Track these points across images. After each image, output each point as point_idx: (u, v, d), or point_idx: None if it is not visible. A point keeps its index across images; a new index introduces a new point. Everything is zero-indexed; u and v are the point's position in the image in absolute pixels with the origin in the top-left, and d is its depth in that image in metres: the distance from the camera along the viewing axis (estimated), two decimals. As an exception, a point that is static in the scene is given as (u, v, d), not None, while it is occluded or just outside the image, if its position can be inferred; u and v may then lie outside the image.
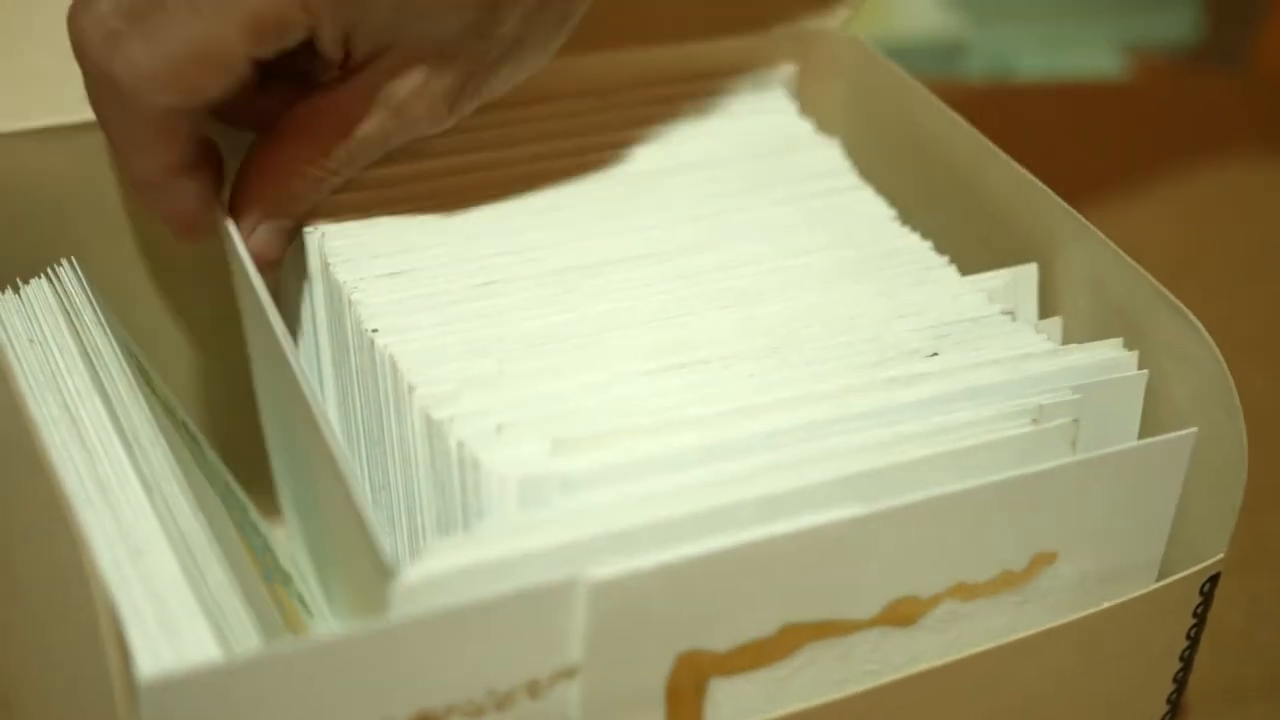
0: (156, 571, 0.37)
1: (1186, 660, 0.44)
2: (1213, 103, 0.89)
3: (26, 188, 0.46)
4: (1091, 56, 0.98)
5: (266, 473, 0.52)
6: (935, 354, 0.42)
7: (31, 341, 0.43)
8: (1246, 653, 0.56)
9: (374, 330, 0.42)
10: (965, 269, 0.46)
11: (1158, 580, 0.42)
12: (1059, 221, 0.47)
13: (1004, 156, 0.49)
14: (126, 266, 0.49)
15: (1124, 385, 0.41)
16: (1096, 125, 0.86)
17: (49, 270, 0.44)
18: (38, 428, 0.37)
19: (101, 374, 0.42)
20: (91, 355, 0.42)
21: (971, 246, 0.49)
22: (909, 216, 0.49)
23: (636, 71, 0.53)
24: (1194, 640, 0.43)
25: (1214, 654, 0.53)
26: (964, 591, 0.39)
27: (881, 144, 0.54)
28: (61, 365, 0.42)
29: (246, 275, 0.43)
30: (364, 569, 0.37)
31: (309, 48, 0.41)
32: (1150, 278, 0.44)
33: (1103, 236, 0.45)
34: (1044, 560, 0.40)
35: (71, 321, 0.43)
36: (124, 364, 0.42)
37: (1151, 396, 0.42)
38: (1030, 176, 0.48)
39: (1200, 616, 0.43)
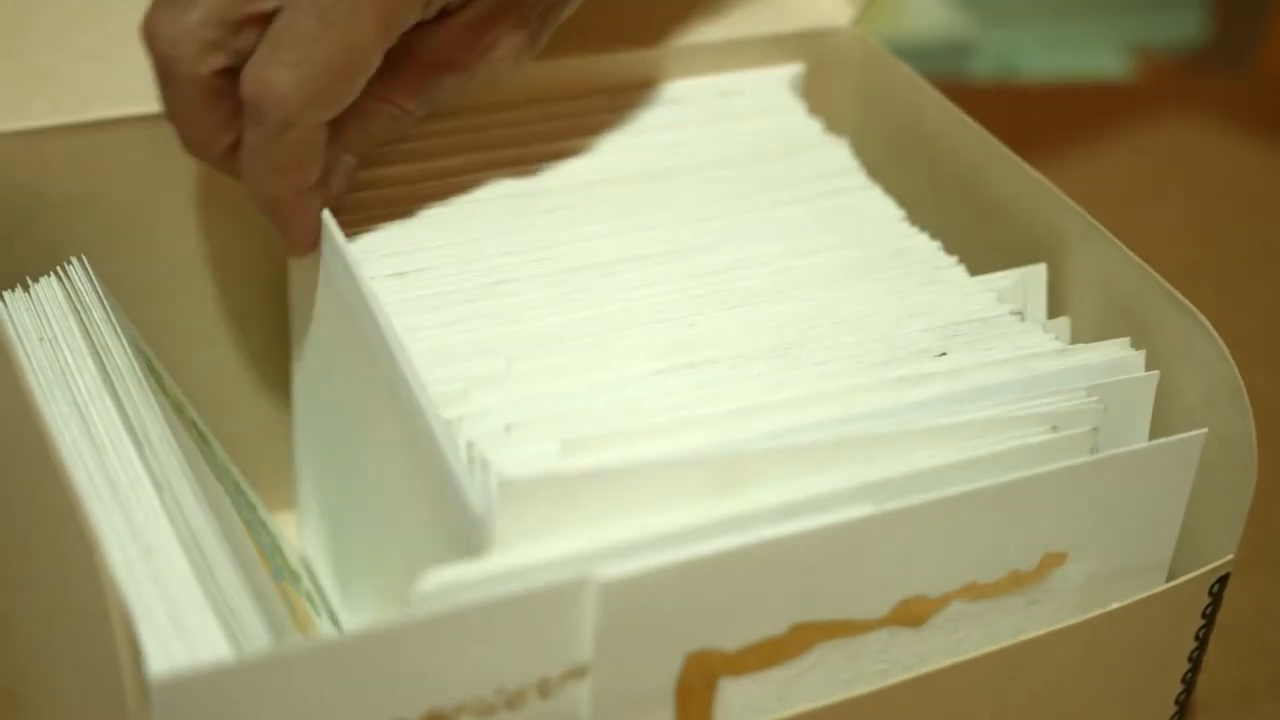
0: (168, 571, 0.37)
1: (1195, 661, 0.44)
2: (1219, 103, 0.89)
3: (35, 186, 0.46)
4: (1098, 57, 0.98)
5: (274, 471, 0.53)
6: (944, 354, 0.42)
7: (41, 339, 0.43)
8: (1255, 653, 0.56)
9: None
10: (974, 269, 0.46)
11: (1167, 581, 0.42)
12: (1067, 221, 0.47)
13: (1013, 156, 0.49)
14: (134, 265, 0.49)
15: (1135, 386, 0.41)
16: (1103, 125, 0.86)
17: (59, 269, 0.44)
18: (48, 426, 0.38)
19: (111, 372, 0.42)
20: (101, 353, 0.42)
21: (980, 246, 0.49)
22: (918, 216, 0.49)
23: (645, 71, 0.53)
24: (1203, 641, 0.43)
25: (1222, 654, 0.53)
26: (973, 592, 0.39)
27: (890, 144, 0.54)
28: (71, 363, 0.42)
29: (340, 253, 0.43)
30: (439, 533, 0.37)
31: None
32: (1159, 278, 0.44)
33: (1111, 236, 0.45)
34: (1053, 560, 0.40)
35: (81, 320, 0.43)
36: (134, 362, 0.42)
37: (1160, 397, 0.42)
38: (1039, 176, 0.48)
39: (1209, 617, 0.43)
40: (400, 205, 0.46)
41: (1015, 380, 0.41)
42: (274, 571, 0.45)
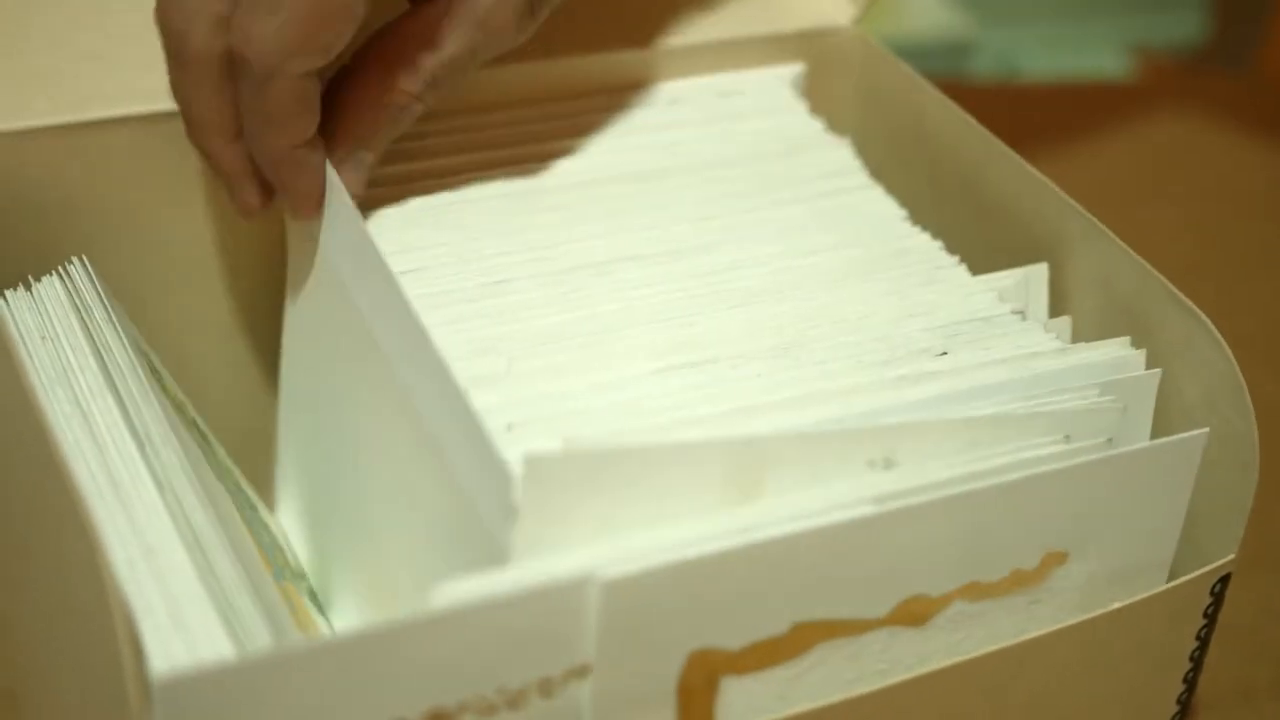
0: (169, 570, 0.37)
1: (1196, 660, 0.44)
2: (1219, 103, 0.89)
3: (35, 186, 0.46)
4: (1098, 57, 0.98)
5: (274, 471, 0.52)
6: (945, 353, 0.42)
7: (43, 338, 0.43)
8: (1256, 652, 0.56)
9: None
10: (975, 268, 0.46)
11: (1168, 581, 0.42)
12: (1069, 221, 0.47)
13: (1014, 156, 0.49)
14: (134, 265, 0.49)
15: (1136, 385, 0.41)
16: (1103, 125, 0.86)
17: (60, 268, 0.44)
18: (50, 424, 0.38)
19: (113, 371, 0.42)
20: (103, 352, 0.42)
21: (981, 246, 0.49)
22: (918, 216, 0.49)
23: (645, 71, 0.53)
24: (1204, 640, 0.43)
25: (1224, 654, 0.53)
26: (975, 591, 0.39)
27: (891, 143, 0.54)
28: (73, 362, 0.42)
29: (356, 224, 0.42)
30: (468, 513, 0.37)
31: None
32: (1160, 277, 0.44)
33: (1112, 235, 0.45)
34: (1055, 560, 0.40)
35: (83, 318, 0.43)
36: (135, 361, 0.42)
37: (1161, 396, 0.42)
38: (1040, 176, 0.48)
39: (1211, 617, 0.43)
40: (399, 205, 0.46)
41: (1016, 379, 0.41)
42: (275, 571, 0.45)
